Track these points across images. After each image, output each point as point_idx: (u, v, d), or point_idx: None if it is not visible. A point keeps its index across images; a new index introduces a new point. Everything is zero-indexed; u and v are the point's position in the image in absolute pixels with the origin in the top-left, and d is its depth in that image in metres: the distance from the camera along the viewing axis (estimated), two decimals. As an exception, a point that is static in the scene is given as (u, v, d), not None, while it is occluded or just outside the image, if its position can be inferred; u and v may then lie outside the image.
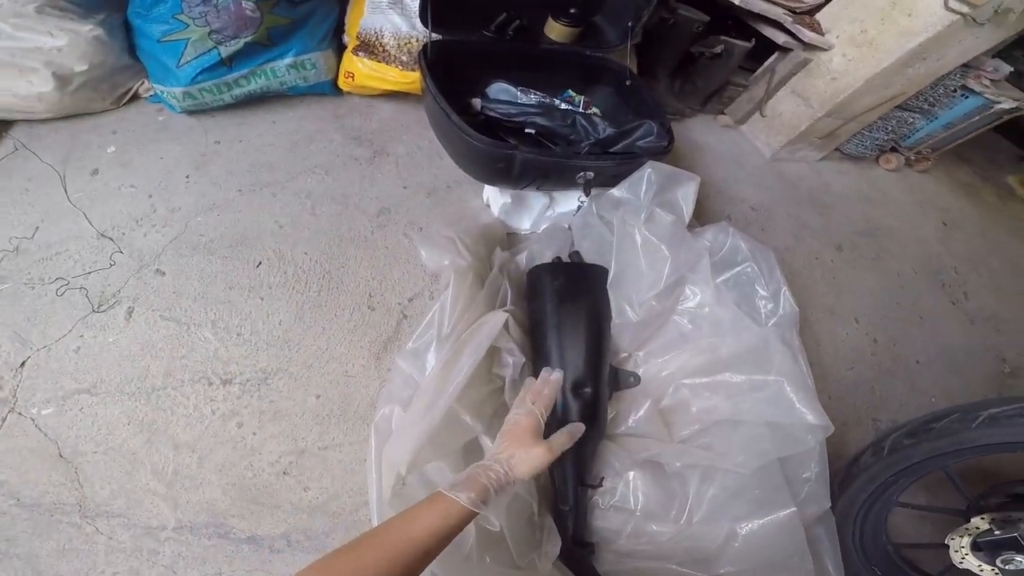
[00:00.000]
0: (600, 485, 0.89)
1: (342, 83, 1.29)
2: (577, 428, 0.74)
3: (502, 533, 0.75)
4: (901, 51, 1.46)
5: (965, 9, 1.32)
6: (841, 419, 1.24)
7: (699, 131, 1.81)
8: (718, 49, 1.65)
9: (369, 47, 1.23)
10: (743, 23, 1.68)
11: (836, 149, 2.03)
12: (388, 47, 1.23)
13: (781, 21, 1.55)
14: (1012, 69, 2.01)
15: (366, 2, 1.22)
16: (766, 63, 1.74)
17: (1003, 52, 1.97)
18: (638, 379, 1.01)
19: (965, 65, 1.74)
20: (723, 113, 1.93)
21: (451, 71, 1.15)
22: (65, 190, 1.02)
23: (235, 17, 1.08)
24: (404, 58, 1.23)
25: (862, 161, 2.17)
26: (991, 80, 1.97)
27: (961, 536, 0.89)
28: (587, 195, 1.04)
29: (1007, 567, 0.84)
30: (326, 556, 0.49)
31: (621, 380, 0.99)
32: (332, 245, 1.06)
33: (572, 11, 1.22)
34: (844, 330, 1.48)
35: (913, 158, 2.26)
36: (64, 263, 0.92)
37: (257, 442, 0.81)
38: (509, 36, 1.20)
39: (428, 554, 0.53)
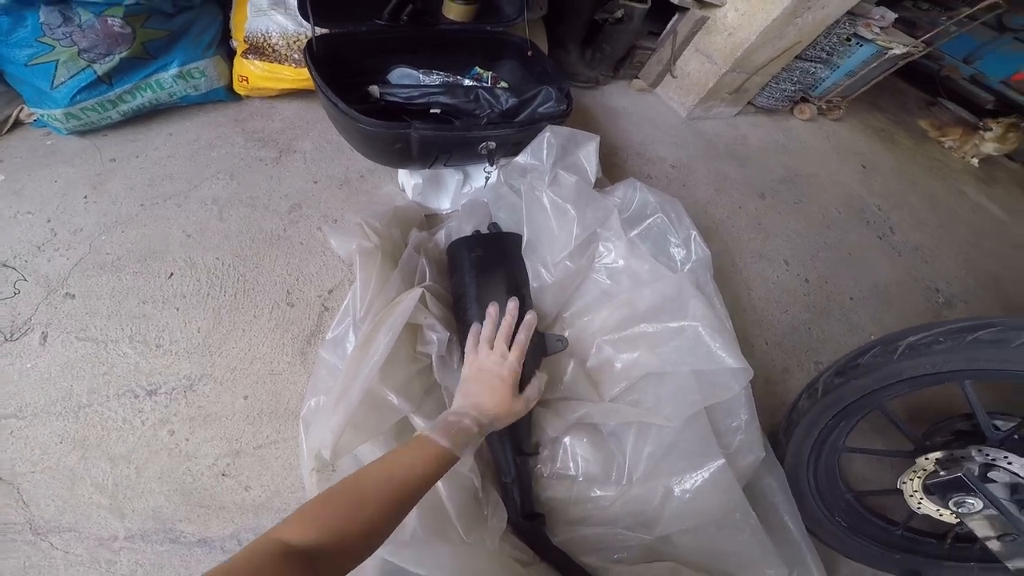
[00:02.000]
0: (537, 452, 0.91)
1: (237, 87, 1.26)
2: (543, 380, 0.74)
3: (446, 510, 0.76)
4: (786, 0, 1.53)
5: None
6: (782, 365, 1.28)
7: (615, 97, 1.85)
8: (619, 14, 1.69)
9: (259, 49, 1.20)
10: None
11: (749, 103, 2.12)
12: (278, 47, 1.21)
13: (674, -20, 1.61)
14: (897, 16, 2.13)
15: (248, 6, 1.20)
16: (668, 25, 1.80)
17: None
18: (566, 342, 1.00)
19: (852, 13, 1.83)
20: (637, 78, 1.98)
21: (347, 62, 1.14)
22: (-46, 223, 0.98)
23: (104, 35, 1.03)
24: (296, 56, 1.21)
25: (776, 113, 2.27)
26: (880, 27, 2.08)
27: (911, 479, 0.87)
28: (492, 165, 1.05)
29: (960, 510, 0.80)
30: (328, 489, 0.50)
31: (549, 345, 0.99)
32: (244, 247, 1.05)
33: None
34: (775, 273, 1.53)
35: (824, 107, 2.37)
36: (-37, 296, 0.89)
37: (191, 447, 0.82)
38: (404, 21, 1.20)
39: (419, 490, 0.55)
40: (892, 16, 2.09)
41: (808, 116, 2.32)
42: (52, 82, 1.04)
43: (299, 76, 1.23)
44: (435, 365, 0.88)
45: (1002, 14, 2.92)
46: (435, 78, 1.21)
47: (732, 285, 1.42)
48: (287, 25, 1.22)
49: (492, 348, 0.80)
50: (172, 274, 0.98)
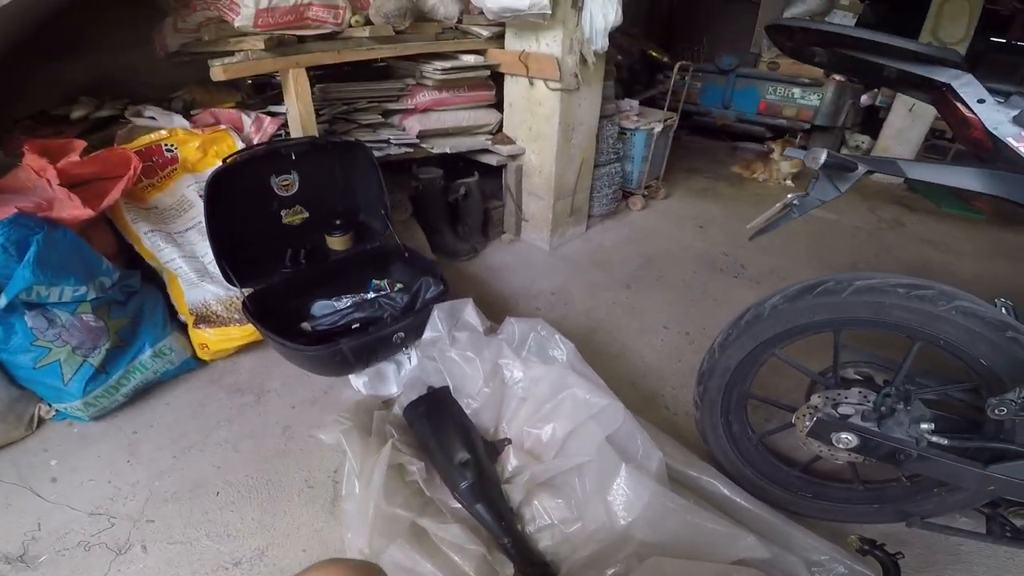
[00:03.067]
0: (515, 514, 1.19)
1: (201, 354, 1.60)
2: None
3: (468, 574, 1.05)
4: (553, 130, 2.10)
5: (556, 85, 1.98)
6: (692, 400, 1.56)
7: (493, 256, 2.35)
8: (463, 191, 2.22)
9: (205, 318, 1.56)
10: (469, 161, 2.29)
11: (591, 216, 2.67)
12: (219, 312, 1.58)
13: (485, 147, 2.19)
14: (639, 101, 2.83)
15: (179, 281, 1.55)
16: (503, 182, 2.37)
17: (624, 92, 2.75)
18: (509, 441, 1.35)
19: (605, 117, 2.42)
20: (504, 232, 2.53)
21: (278, 309, 1.53)
22: (40, 495, 1.26)
23: (85, 331, 1.35)
24: (237, 316, 1.58)
25: (617, 214, 2.83)
26: (636, 115, 2.73)
27: (802, 418, 1.07)
28: (407, 348, 1.44)
29: (844, 447, 1.00)
30: None
31: (497, 447, 1.34)
32: (262, 463, 1.35)
33: (337, 223, 1.71)
34: (658, 339, 1.88)
35: (648, 192, 2.95)
36: (76, 536, 1.17)
37: None
38: (303, 264, 1.64)
39: None
40: (636, 103, 2.78)
41: (640, 206, 2.90)
42: (63, 379, 1.33)
43: (245, 332, 1.59)
44: (422, 485, 1.20)
45: (712, 59, 3.69)
46: (345, 301, 1.62)
47: (626, 358, 1.78)
48: (219, 292, 1.57)
49: None
50: (218, 492, 1.28)
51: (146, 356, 1.48)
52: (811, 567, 1.08)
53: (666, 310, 2.05)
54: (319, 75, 1.86)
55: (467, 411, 1.38)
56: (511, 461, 1.28)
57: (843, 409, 1.06)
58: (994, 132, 0.76)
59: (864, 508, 1.19)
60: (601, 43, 1.94)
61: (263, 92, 2.12)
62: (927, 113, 3.30)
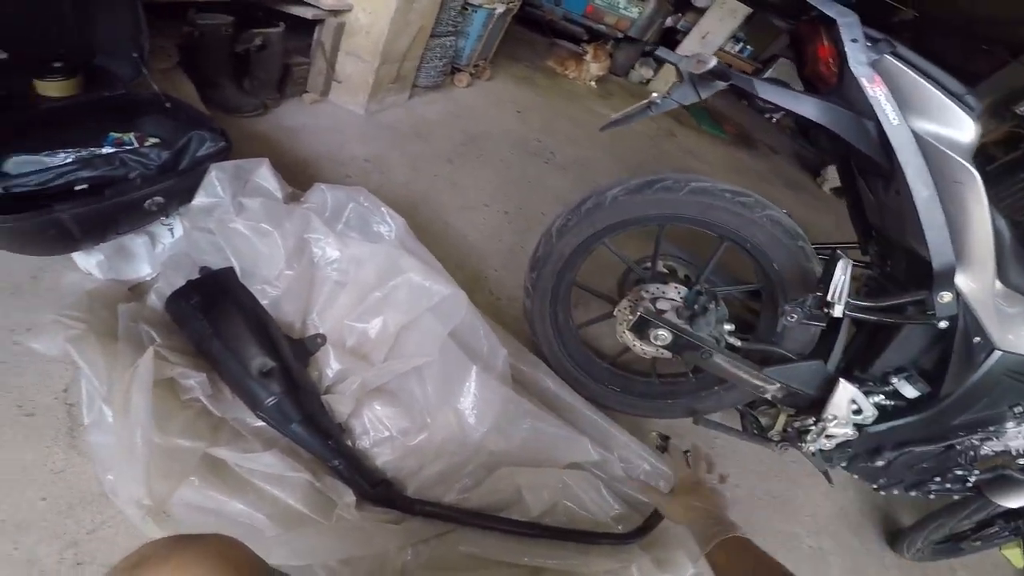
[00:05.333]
0: (343, 430, 1.03)
1: None
2: None
3: (295, 508, 0.87)
4: None
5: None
6: (516, 281, 1.57)
7: (291, 116, 1.93)
8: (258, 41, 1.76)
9: None
10: (271, 10, 1.80)
11: (415, 86, 2.41)
12: None
13: (300, -2, 1.73)
14: None
15: None
16: (314, 37, 1.94)
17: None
18: (324, 338, 1.14)
19: None
20: (307, 91, 2.08)
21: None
22: None
23: None
24: None
25: (442, 88, 2.62)
26: None
27: (623, 311, 1.10)
28: (167, 217, 1.07)
29: (659, 343, 1.01)
30: None
31: (309, 346, 1.12)
32: None
33: (57, 65, 1.16)
34: (480, 216, 1.86)
35: (474, 71, 2.81)
36: None
37: (27, 554, 0.78)
38: (-11, 110, 1.08)
39: None
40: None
41: (466, 83, 2.75)
42: None
43: None
44: (207, 404, 0.93)
45: None
46: (63, 156, 1.13)
47: (449, 238, 1.70)
48: None
49: None
50: None
51: None
52: (621, 463, 1.15)
53: (486, 188, 2.04)
54: None
55: (263, 301, 1.10)
56: (331, 364, 1.09)
57: (660, 304, 1.12)
58: (853, 71, 0.82)
59: (661, 403, 1.31)
60: None
61: None
62: (716, 43, 3.78)
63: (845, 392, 1.02)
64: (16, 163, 1.10)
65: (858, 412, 1.04)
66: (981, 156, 0.89)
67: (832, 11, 0.82)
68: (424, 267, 1.15)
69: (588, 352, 1.32)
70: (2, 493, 0.83)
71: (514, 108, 2.80)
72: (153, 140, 1.28)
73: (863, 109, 0.84)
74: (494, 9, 2.54)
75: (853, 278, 0.94)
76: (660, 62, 4.09)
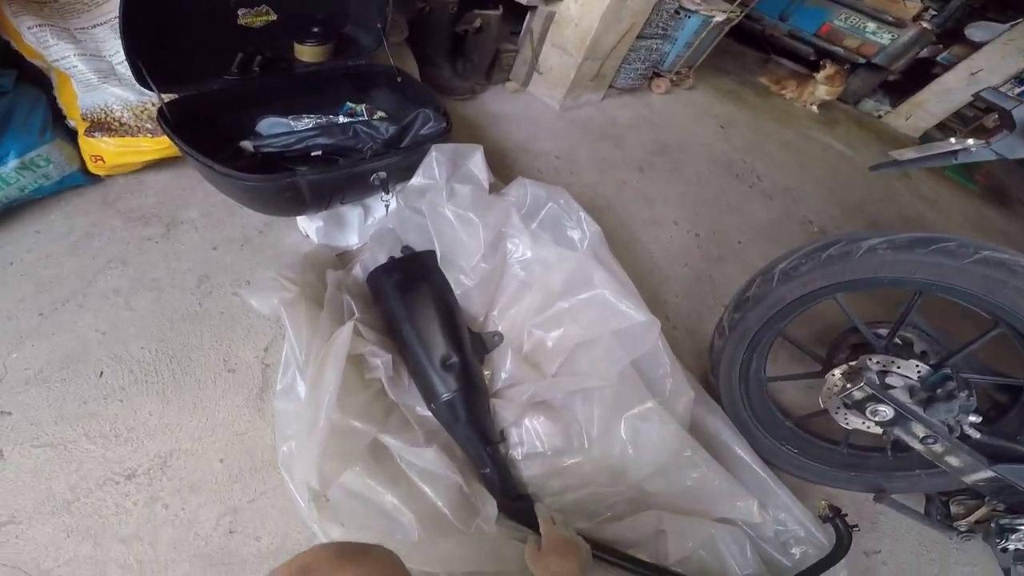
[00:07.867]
0: (503, 439, 0.96)
1: (93, 168, 1.16)
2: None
3: (440, 510, 0.82)
4: None
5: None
6: (695, 312, 1.42)
7: (493, 102, 1.94)
8: (477, 23, 1.78)
9: (103, 125, 1.12)
10: None
11: (611, 87, 2.29)
12: (125, 120, 1.13)
13: (518, -17, 1.71)
14: None
15: (73, 83, 1.09)
16: (524, 24, 1.92)
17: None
18: (501, 337, 1.08)
19: None
20: (509, 80, 2.08)
21: (209, 122, 1.11)
22: None
23: None
24: (149, 125, 1.14)
25: (637, 91, 2.48)
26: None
27: (828, 398, 0.93)
28: (387, 193, 1.08)
29: (876, 419, 0.86)
30: None
31: (487, 342, 1.06)
32: (165, 330, 1.00)
33: (316, 31, 1.23)
34: (667, 234, 1.68)
35: (676, 79, 2.61)
36: None
37: (189, 515, 0.82)
38: (256, 72, 1.18)
39: None
40: (706, -16, 2.36)
41: (664, 89, 2.55)
42: None
43: (159, 145, 1.16)
44: (387, 386, 0.91)
45: None
46: (307, 121, 1.20)
47: (633, 252, 1.55)
48: (127, 96, 1.13)
49: None
50: (102, 372, 0.92)
51: (8, 168, 1.03)
52: (777, 525, 0.97)
53: (677, 204, 1.83)
54: None
55: (456, 291, 1.06)
56: (506, 367, 1.02)
57: (889, 379, 0.91)
58: None
59: (842, 474, 1.08)
60: None
61: None
62: (989, 82, 3.06)
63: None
64: (268, 124, 1.20)
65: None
66: None
67: None
68: (618, 286, 1.02)
69: (772, 407, 1.11)
70: (189, 449, 0.88)
71: (716, 123, 2.53)
72: (380, 113, 1.33)
73: None
74: (712, 17, 2.30)
75: None
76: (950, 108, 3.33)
